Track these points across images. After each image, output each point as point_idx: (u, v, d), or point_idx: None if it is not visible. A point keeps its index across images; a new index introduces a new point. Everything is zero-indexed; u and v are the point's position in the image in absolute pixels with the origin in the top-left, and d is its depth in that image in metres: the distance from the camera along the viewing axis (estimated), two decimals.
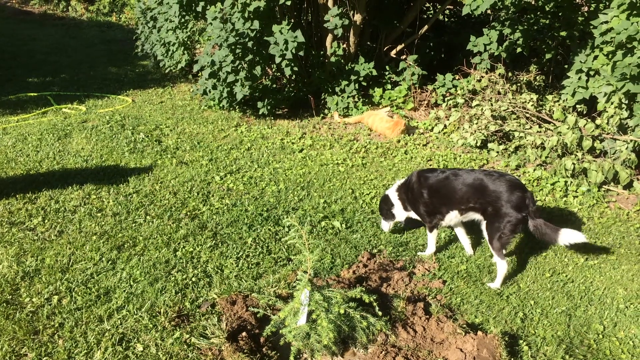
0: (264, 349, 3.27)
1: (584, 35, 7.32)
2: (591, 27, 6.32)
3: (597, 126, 6.38)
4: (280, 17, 8.31)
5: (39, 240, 4.30)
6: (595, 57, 6.48)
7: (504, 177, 4.15)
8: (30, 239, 4.31)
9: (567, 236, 3.98)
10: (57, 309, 3.50)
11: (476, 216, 4.31)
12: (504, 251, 4.18)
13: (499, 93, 7.63)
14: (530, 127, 7.01)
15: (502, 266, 4.18)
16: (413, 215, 4.62)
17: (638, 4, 5.33)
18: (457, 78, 8.44)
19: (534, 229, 4.09)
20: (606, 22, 5.81)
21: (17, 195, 4.99)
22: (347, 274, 4.15)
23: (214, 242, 4.49)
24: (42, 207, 4.85)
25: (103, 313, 3.48)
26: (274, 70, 9.01)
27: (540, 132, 6.84)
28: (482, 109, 7.33)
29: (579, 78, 6.74)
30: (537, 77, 8.34)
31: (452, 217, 4.38)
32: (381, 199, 4.77)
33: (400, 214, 4.66)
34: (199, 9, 8.11)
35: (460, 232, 4.67)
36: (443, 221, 4.44)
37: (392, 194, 4.65)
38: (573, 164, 6.10)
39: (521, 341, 3.58)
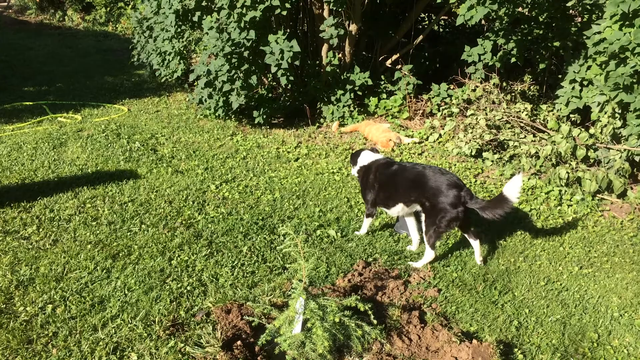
0: (258, 358, 3.26)
1: (577, 46, 7.38)
2: (584, 37, 6.38)
3: (591, 135, 6.42)
4: (276, 27, 8.36)
5: (34, 249, 4.28)
6: (589, 67, 6.53)
7: (444, 175, 4.41)
8: (24, 247, 4.30)
9: (512, 190, 4.11)
10: (51, 318, 3.49)
11: (418, 208, 4.60)
12: (436, 243, 4.49)
13: (493, 102, 7.68)
14: (525, 137, 7.05)
15: (429, 254, 4.52)
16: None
17: (630, 15, 5.38)
18: (452, 88, 8.49)
19: (488, 214, 4.27)
20: (599, 32, 5.86)
21: (12, 204, 4.98)
22: (343, 282, 4.14)
23: (209, 250, 4.48)
24: (36, 215, 4.83)
25: (97, 322, 3.47)
26: (269, 79, 9.05)
27: (534, 141, 6.88)
28: (476, 119, 7.37)
29: (573, 88, 6.79)
30: (531, 87, 8.41)
31: (399, 209, 4.69)
32: (352, 155, 5.18)
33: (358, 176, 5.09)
34: (195, 18, 8.14)
35: (411, 223, 4.87)
36: (392, 212, 4.78)
37: (359, 162, 5.00)
38: (567, 173, 6.14)
39: (516, 349, 3.58)
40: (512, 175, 6.59)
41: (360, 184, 5.01)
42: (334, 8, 7.79)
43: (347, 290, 4.00)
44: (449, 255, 4.76)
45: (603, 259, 4.93)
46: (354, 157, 5.12)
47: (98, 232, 4.64)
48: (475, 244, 4.59)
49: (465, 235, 4.65)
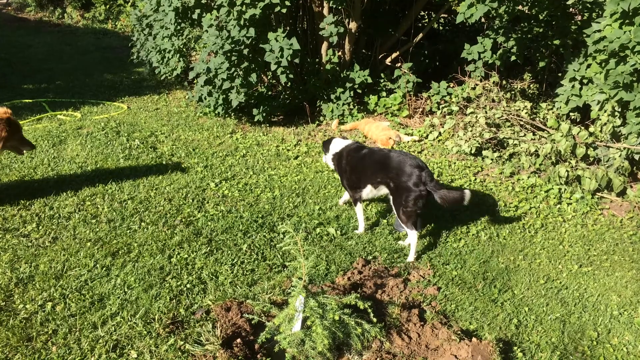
0: (258, 356, 3.27)
1: (577, 44, 7.38)
2: (584, 35, 6.37)
3: (591, 134, 6.42)
4: (275, 25, 8.35)
5: (33, 247, 4.28)
6: (589, 66, 6.53)
7: (406, 158, 4.63)
8: (24, 245, 4.30)
9: (467, 196, 4.45)
10: (51, 315, 3.49)
11: (386, 191, 4.78)
12: (410, 222, 4.58)
13: (493, 101, 7.68)
14: (524, 135, 7.05)
15: (412, 236, 4.62)
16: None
17: (630, 13, 5.38)
18: (451, 86, 8.49)
19: (441, 200, 4.47)
20: (599, 30, 5.86)
21: (12, 202, 4.98)
22: (342, 280, 4.15)
23: (208, 248, 4.48)
24: (36, 213, 4.83)
25: (97, 320, 3.47)
26: (269, 77, 9.04)
27: (534, 139, 6.88)
28: (476, 117, 7.37)
29: (573, 86, 6.79)
30: (531, 85, 8.40)
31: (368, 191, 4.88)
32: (324, 142, 5.43)
33: (331, 163, 5.31)
34: (195, 16, 8.13)
35: (359, 210, 5.09)
36: (362, 194, 4.93)
37: (331, 149, 5.25)
38: (567, 171, 6.14)
39: (515, 348, 3.59)
40: (512, 173, 6.60)
41: (337, 172, 5.25)
42: (334, 6, 7.78)
43: (347, 288, 4.00)
44: (449, 253, 4.77)
45: (602, 257, 4.94)
46: (326, 144, 5.36)
47: (98, 229, 4.64)
48: (413, 235, 4.65)
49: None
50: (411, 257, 4.63)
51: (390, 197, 4.71)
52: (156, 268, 4.12)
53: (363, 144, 5.19)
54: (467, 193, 4.46)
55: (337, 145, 5.21)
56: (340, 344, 3.35)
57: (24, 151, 5.22)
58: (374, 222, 5.25)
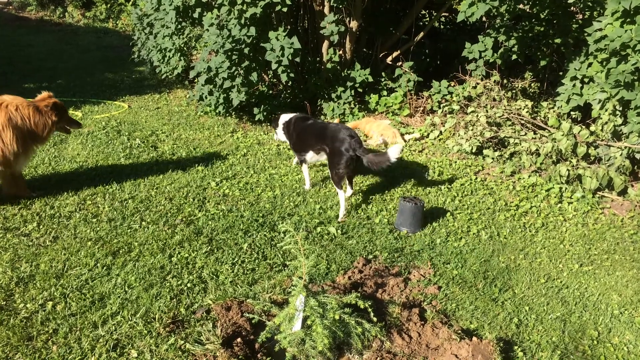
0: (258, 355, 3.27)
1: (578, 43, 7.37)
2: (585, 34, 6.37)
3: (592, 133, 6.41)
4: (276, 24, 8.35)
5: (34, 246, 4.28)
6: (590, 65, 6.52)
7: (338, 127, 5.36)
8: (25, 244, 4.30)
9: (394, 152, 4.90)
10: (52, 314, 3.49)
11: (325, 156, 5.45)
12: (341, 183, 5.26)
13: (494, 100, 7.67)
14: (525, 134, 7.04)
15: (341, 196, 5.28)
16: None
17: (632, 12, 5.37)
18: (452, 85, 8.48)
19: (368, 163, 5.06)
20: (600, 29, 5.85)
21: (12, 201, 4.98)
22: (343, 279, 4.15)
23: (209, 247, 4.48)
24: (37, 212, 4.83)
25: (97, 319, 3.47)
26: (270, 76, 9.04)
27: (535, 138, 6.87)
28: (477, 116, 7.36)
29: (574, 85, 6.78)
30: (532, 84, 8.39)
31: (311, 155, 5.62)
32: (273, 119, 6.37)
33: (282, 136, 6.09)
34: (196, 15, 8.13)
35: (305, 171, 5.91)
36: (306, 157, 5.67)
37: (280, 122, 6.05)
38: (568, 170, 6.13)
39: (516, 347, 3.59)
40: (513, 172, 6.59)
41: (287, 139, 6.00)
42: (335, 5, 7.78)
43: (347, 287, 4.00)
44: (449, 252, 4.77)
45: (603, 256, 4.93)
46: (274, 120, 6.20)
47: (98, 229, 4.64)
48: (349, 191, 5.55)
49: (347, 182, 5.53)
50: (341, 215, 5.25)
51: (328, 161, 5.40)
52: (157, 267, 4.12)
53: (308, 116, 6.14)
54: (393, 152, 4.89)
55: (285, 117, 6.03)
56: (340, 344, 3.35)
57: (71, 130, 5.48)
58: (374, 222, 5.25)
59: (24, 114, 4.76)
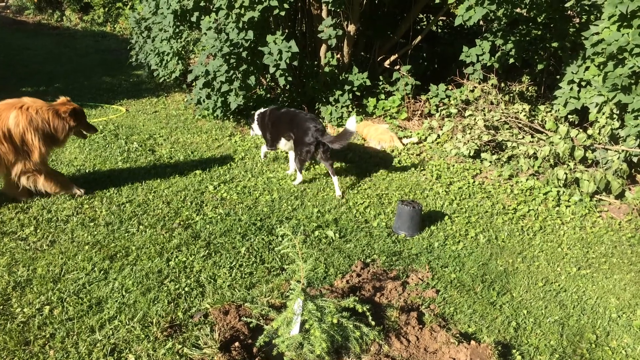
0: (256, 359, 3.26)
1: (575, 47, 7.38)
2: (582, 38, 6.38)
3: (589, 136, 6.42)
4: (274, 28, 8.36)
5: (31, 250, 4.27)
6: (587, 68, 6.54)
7: (307, 116, 5.97)
8: (22, 248, 4.29)
9: (350, 125, 5.54)
10: (49, 319, 3.48)
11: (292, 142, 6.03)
12: (302, 166, 6.04)
13: (491, 103, 7.68)
14: (523, 137, 7.05)
15: (299, 177, 6.10)
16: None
17: (629, 16, 5.39)
18: (450, 88, 8.49)
19: (335, 145, 5.66)
20: (597, 33, 5.87)
21: (9, 205, 4.97)
22: (341, 283, 4.14)
23: (207, 251, 4.48)
24: (34, 216, 4.82)
25: (95, 323, 3.46)
26: (268, 80, 9.04)
27: (532, 142, 6.88)
28: (475, 119, 7.38)
29: (571, 88, 6.80)
30: (530, 88, 8.41)
31: (283, 143, 6.17)
32: (250, 115, 6.91)
33: (258, 130, 6.63)
34: (194, 19, 8.14)
35: (291, 156, 6.41)
36: (279, 145, 6.25)
37: (256, 116, 6.58)
38: (565, 173, 6.14)
39: (514, 351, 3.58)
40: (511, 176, 6.60)
41: (261, 130, 6.51)
42: (333, 8, 7.79)
43: (346, 291, 4.00)
44: (447, 255, 4.76)
45: (601, 259, 4.94)
46: (251, 117, 6.71)
47: (96, 233, 4.63)
48: (334, 179, 5.93)
49: (329, 171, 6.02)
50: (296, 182, 6.10)
51: (293, 146, 6.03)
52: (154, 271, 4.11)
53: (281, 107, 6.81)
54: (350, 125, 5.53)
55: (260, 110, 6.60)
56: (338, 348, 3.35)
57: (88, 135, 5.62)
58: (372, 225, 5.25)
59: (44, 117, 4.88)
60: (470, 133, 7.32)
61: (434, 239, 5.06)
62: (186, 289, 3.93)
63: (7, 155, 4.77)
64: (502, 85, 8.12)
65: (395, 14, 9.99)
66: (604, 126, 6.30)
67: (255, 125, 6.58)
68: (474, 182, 6.51)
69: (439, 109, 8.29)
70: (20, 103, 4.83)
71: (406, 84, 8.65)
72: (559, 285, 4.47)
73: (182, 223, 4.95)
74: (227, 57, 7.36)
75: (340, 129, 8.20)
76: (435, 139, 7.78)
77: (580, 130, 6.54)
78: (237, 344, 3.33)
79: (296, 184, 6.07)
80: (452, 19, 10.40)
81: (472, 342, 3.46)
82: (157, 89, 10.20)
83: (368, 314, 3.30)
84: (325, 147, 5.79)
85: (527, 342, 3.70)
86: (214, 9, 7.62)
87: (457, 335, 3.59)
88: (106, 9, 17.50)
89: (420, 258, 4.69)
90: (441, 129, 7.85)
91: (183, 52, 9.58)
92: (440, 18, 10.26)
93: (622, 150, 6.05)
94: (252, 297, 3.88)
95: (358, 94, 8.61)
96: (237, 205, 5.44)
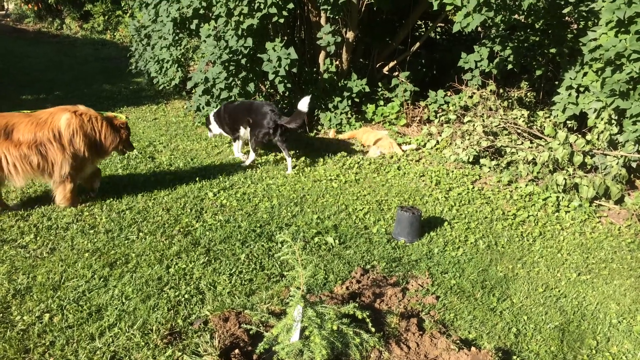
0: None
1: (573, 52, 7.41)
2: (580, 44, 6.41)
3: (588, 142, 6.44)
4: (273, 35, 8.39)
5: (31, 258, 4.27)
6: (585, 74, 6.56)
7: (262, 103, 6.67)
8: (22, 256, 4.29)
9: (302, 105, 6.27)
10: (49, 327, 3.47)
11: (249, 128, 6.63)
12: (257, 147, 6.77)
13: (490, 109, 7.70)
14: (522, 143, 7.07)
15: (252, 155, 6.71)
16: (223, 132, 7.15)
17: (626, 22, 5.42)
18: (448, 94, 8.52)
19: (293, 125, 6.46)
20: (595, 39, 5.90)
21: (9, 213, 4.97)
22: (341, 290, 4.14)
23: (207, 258, 4.48)
24: (34, 224, 4.82)
25: (95, 331, 3.45)
26: (267, 87, 9.07)
27: (531, 147, 6.90)
28: (473, 125, 7.39)
29: (569, 94, 6.82)
30: (528, 94, 8.43)
31: (243, 131, 6.75)
32: (206, 118, 7.37)
33: (216, 129, 7.18)
34: (193, 26, 8.17)
35: (237, 145, 7.09)
36: (240, 134, 6.81)
37: (211, 116, 7.12)
38: (564, 179, 6.15)
39: (515, 357, 3.58)
40: (510, 181, 6.61)
41: (220, 127, 7.05)
42: (331, 15, 7.83)
43: (345, 297, 3.99)
44: (447, 262, 4.76)
45: (601, 265, 4.94)
46: (207, 119, 7.24)
47: (95, 240, 4.63)
48: (288, 160, 6.63)
49: (284, 153, 6.70)
50: (247, 162, 6.72)
51: (249, 130, 6.58)
52: (154, 278, 4.11)
53: (233, 101, 7.23)
54: (302, 105, 6.23)
55: (213, 110, 7.15)
56: (338, 354, 3.34)
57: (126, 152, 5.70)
58: (372, 232, 5.25)
59: (96, 125, 5.04)
60: (469, 139, 7.33)
61: (433, 245, 5.06)
62: (186, 296, 3.93)
63: (55, 155, 4.82)
64: (501, 91, 8.15)
65: (393, 21, 10.03)
66: (602, 132, 6.32)
67: (213, 125, 7.09)
68: (473, 188, 6.52)
69: (438, 115, 8.32)
70: (75, 108, 5.00)
71: (405, 90, 8.68)
72: (559, 291, 4.47)
73: (181, 230, 4.95)
74: (227, 64, 7.38)
75: (340, 135, 8.27)
76: (434, 145, 7.80)
77: (579, 135, 6.56)
78: (237, 351, 3.32)
79: (247, 164, 6.67)
80: (450, 25, 10.46)
81: (473, 348, 3.45)
82: (156, 96, 10.23)
83: (368, 320, 3.29)
84: (282, 129, 6.46)
85: (527, 348, 3.70)
86: (213, 17, 7.66)
87: (458, 341, 3.58)
88: (106, 17, 17.57)
89: (420, 264, 4.69)
90: (440, 135, 7.87)
91: (182, 59, 9.61)
92: (439, 25, 10.32)
93: (621, 156, 6.06)
94: (252, 304, 3.88)
95: (357, 100, 8.63)
96: (237, 211, 5.45)
